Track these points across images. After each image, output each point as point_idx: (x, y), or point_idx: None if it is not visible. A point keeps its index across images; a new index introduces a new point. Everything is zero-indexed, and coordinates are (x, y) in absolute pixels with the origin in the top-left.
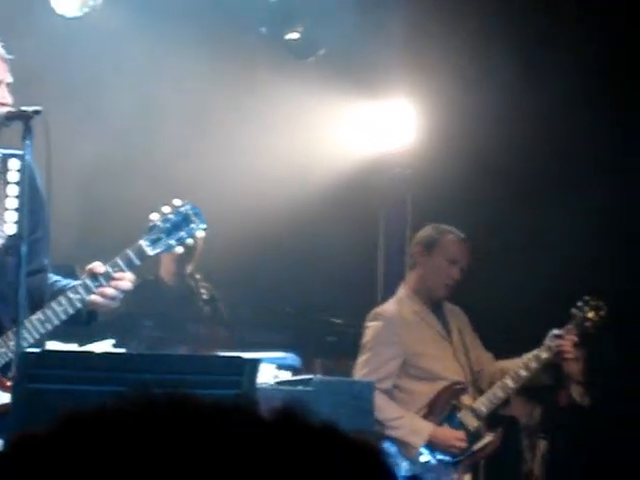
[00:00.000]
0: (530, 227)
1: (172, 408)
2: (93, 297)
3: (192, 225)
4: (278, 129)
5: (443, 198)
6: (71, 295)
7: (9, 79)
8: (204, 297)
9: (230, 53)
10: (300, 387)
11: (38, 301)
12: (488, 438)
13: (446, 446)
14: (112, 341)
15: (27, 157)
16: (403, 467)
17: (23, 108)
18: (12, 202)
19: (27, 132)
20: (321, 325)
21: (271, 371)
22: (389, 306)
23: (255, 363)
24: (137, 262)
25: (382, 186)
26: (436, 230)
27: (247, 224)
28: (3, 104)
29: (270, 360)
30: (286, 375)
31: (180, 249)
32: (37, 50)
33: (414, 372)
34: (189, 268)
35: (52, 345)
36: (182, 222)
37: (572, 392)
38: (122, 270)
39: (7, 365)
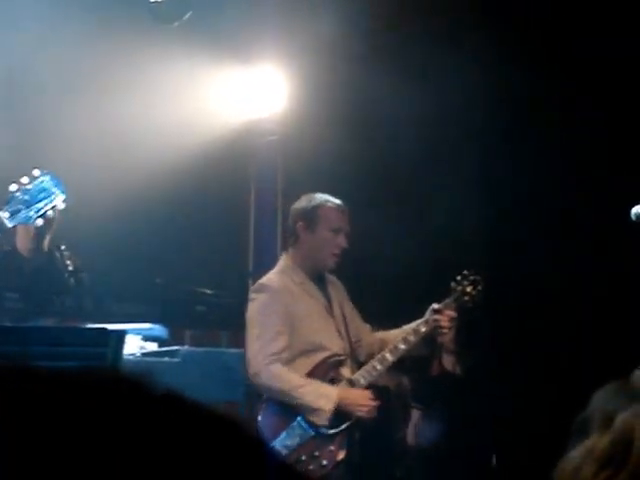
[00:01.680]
0: (407, 196)
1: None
2: None
3: (52, 197)
4: (144, 97)
5: (314, 166)
6: None
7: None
8: (69, 268)
9: (91, 17)
10: (167, 358)
11: None
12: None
13: (357, 405)
14: None
15: None
16: (279, 439)
17: None
18: None
19: None
20: (190, 296)
21: (137, 342)
22: (273, 277)
23: (121, 335)
24: None
25: (252, 154)
26: (313, 201)
27: (115, 193)
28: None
29: (136, 331)
30: (153, 347)
31: (40, 221)
32: None
33: (297, 344)
34: (47, 239)
35: None
36: (41, 193)
37: (444, 362)
38: None
39: None
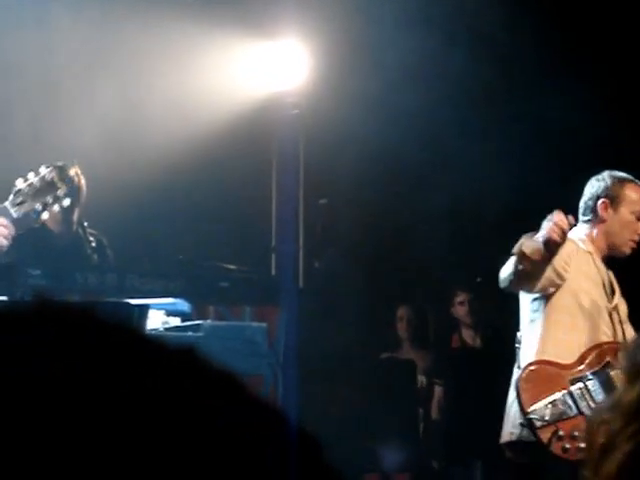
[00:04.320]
0: (426, 172)
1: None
2: None
3: (58, 191)
4: (167, 70)
5: (337, 139)
6: None
7: None
8: (92, 245)
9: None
10: (190, 333)
11: None
12: None
13: None
14: None
15: None
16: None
17: None
18: None
19: None
20: (213, 271)
21: (161, 317)
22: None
23: (144, 309)
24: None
25: (275, 128)
26: (617, 179)
27: (137, 169)
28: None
29: (159, 306)
30: (176, 321)
31: (45, 215)
32: None
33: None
34: (76, 217)
35: None
36: (47, 188)
37: (464, 335)
38: None
39: None
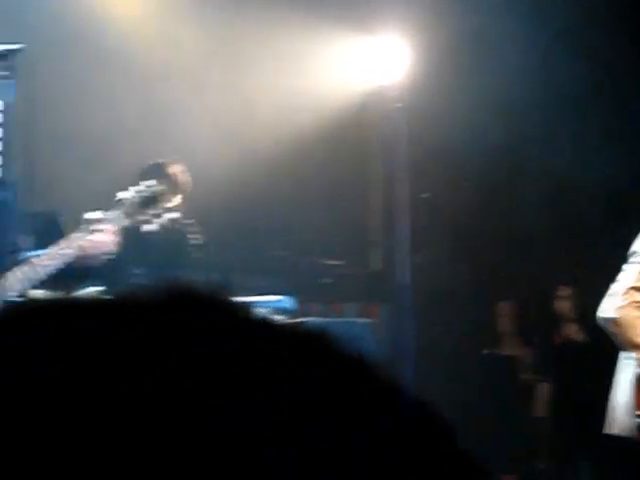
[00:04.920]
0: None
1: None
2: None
3: (165, 204)
4: (269, 66)
5: (440, 133)
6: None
7: None
8: (195, 243)
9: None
10: None
11: None
12: None
13: None
14: (99, 289)
15: (10, 99)
16: None
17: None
18: None
19: (10, 72)
20: (315, 268)
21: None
22: None
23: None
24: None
25: (378, 122)
26: None
27: (237, 166)
28: None
29: (265, 304)
30: (282, 319)
31: (152, 226)
32: None
33: None
34: (177, 215)
35: (37, 294)
36: (154, 199)
37: (568, 330)
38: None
39: None
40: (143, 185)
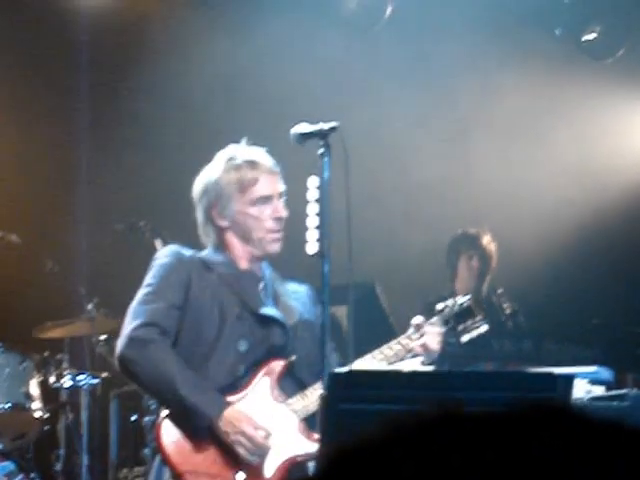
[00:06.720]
0: None
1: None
2: (415, 346)
3: (477, 318)
4: (573, 134)
5: None
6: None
7: (281, 189)
8: (506, 312)
9: (526, 58)
10: (615, 403)
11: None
12: None
13: None
14: (420, 359)
15: (326, 175)
16: None
17: (320, 126)
18: (313, 220)
19: (325, 149)
20: (631, 337)
21: (584, 386)
22: None
23: (569, 379)
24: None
25: None
26: None
27: (547, 232)
28: (279, 218)
29: (582, 375)
30: (599, 390)
31: (466, 337)
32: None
33: None
34: (487, 282)
35: (358, 364)
36: (466, 314)
37: None
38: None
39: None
40: (459, 297)
